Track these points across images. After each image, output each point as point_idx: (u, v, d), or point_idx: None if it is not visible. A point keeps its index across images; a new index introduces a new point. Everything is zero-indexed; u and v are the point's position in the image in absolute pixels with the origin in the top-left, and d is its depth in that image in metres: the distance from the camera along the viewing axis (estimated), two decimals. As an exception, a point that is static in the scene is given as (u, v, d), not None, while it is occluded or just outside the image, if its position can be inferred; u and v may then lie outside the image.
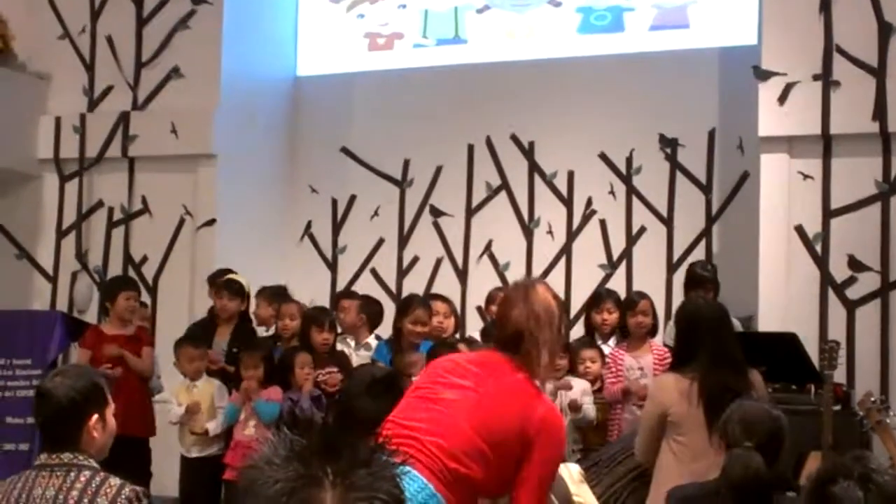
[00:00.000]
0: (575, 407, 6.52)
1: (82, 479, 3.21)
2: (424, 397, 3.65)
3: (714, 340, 4.96)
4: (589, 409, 6.63)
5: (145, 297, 8.84)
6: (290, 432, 1.47)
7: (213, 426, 7.07)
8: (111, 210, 9.59)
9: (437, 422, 3.54)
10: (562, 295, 8.65)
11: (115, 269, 9.44)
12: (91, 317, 9.11)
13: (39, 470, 3.26)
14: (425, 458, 3.44)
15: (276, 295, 7.74)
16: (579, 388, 6.66)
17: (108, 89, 9.65)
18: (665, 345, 6.93)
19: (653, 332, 6.95)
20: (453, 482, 3.47)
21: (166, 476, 7.64)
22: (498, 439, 3.55)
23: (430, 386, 3.69)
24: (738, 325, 7.15)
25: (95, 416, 3.30)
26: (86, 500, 3.18)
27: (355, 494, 1.40)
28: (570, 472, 4.07)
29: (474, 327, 7.98)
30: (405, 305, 7.14)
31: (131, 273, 9.25)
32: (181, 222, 9.35)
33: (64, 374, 3.37)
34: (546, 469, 3.64)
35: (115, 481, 3.23)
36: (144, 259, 9.46)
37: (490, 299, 7.90)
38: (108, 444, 3.39)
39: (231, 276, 7.76)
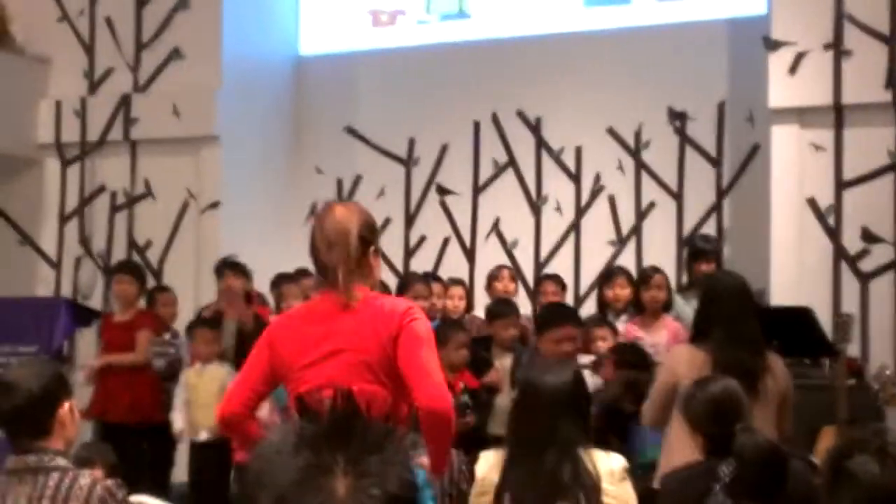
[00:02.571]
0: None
1: (51, 483, 3.12)
2: (315, 388, 3.51)
3: (732, 317, 4.92)
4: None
5: (150, 282, 8.76)
6: (298, 418, 1.44)
7: None
8: (114, 194, 9.53)
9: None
10: (570, 272, 8.73)
11: (119, 254, 9.38)
12: (96, 303, 9.07)
13: (9, 476, 3.16)
14: None
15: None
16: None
17: (109, 71, 9.58)
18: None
19: (667, 307, 6.86)
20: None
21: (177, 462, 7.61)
22: (390, 364, 3.53)
23: (301, 376, 3.58)
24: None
25: (67, 405, 3.22)
26: None
27: (367, 481, 1.38)
28: (612, 468, 3.76)
29: (483, 305, 7.90)
30: (404, 284, 7.13)
31: (136, 258, 9.20)
32: (185, 205, 9.29)
33: (27, 366, 3.29)
34: (424, 338, 3.58)
35: (84, 481, 3.14)
36: (149, 243, 9.40)
37: (491, 278, 7.85)
38: (78, 434, 3.31)
39: (229, 258, 7.70)
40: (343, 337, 3.57)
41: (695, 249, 7.27)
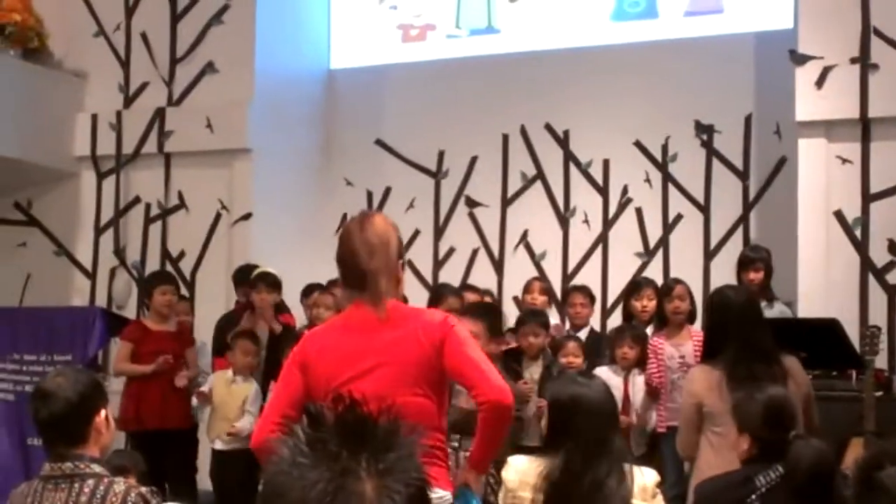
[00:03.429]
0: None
1: (86, 490, 3.14)
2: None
3: (741, 331, 4.89)
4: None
5: (183, 292, 8.85)
6: (307, 427, 1.42)
7: (242, 424, 7.04)
8: (148, 206, 9.63)
9: None
10: (598, 284, 8.77)
11: (152, 264, 9.47)
12: (130, 312, 9.16)
13: (45, 482, 3.19)
14: None
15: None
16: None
17: (144, 86, 9.70)
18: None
19: (690, 318, 6.90)
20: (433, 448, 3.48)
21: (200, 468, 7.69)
22: (434, 374, 3.54)
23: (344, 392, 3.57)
24: (786, 311, 7.11)
25: (103, 412, 3.26)
26: None
27: (390, 479, 1.38)
28: (645, 484, 3.75)
29: (511, 318, 7.95)
30: (437, 296, 7.13)
31: (169, 268, 9.30)
32: (217, 217, 9.37)
33: (64, 374, 3.29)
34: (469, 340, 3.62)
35: (119, 488, 3.17)
36: (182, 254, 9.50)
37: (526, 289, 7.89)
38: (113, 441, 3.35)
39: (262, 269, 7.77)
40: (384, 349, 3.53)
41: (741, 259, 7.26)
